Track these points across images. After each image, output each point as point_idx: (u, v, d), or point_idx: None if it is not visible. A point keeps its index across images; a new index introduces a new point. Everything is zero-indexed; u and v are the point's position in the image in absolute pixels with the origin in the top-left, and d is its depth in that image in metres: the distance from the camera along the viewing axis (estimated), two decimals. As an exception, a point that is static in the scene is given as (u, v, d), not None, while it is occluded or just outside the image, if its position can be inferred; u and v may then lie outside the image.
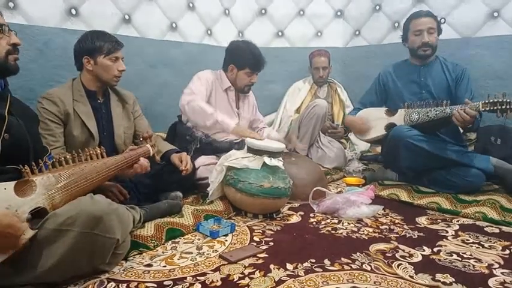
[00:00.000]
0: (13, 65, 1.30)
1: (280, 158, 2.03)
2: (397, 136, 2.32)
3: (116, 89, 2.06)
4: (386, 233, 1.75)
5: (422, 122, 2.31)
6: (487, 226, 1.85)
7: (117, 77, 1.94)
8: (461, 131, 2.46)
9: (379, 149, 3.02)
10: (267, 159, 1.93)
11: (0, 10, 1.34)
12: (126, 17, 2.90)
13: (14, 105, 1.33)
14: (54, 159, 1.31)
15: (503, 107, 2.01)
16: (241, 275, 1.34)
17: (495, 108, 2.03)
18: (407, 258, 1.48)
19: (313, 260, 1.45)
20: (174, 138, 2.42)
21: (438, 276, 1.34)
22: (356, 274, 1.35)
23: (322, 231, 1.78)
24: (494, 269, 1.40)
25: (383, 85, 2.67)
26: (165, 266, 1.41)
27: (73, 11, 2.59)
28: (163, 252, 1.53)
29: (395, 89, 2.59)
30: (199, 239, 1.68)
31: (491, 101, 2.05)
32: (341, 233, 1.75)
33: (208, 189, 2.05)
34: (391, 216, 1.99)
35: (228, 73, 2.51)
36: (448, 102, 2.24)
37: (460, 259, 1.48)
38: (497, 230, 1.79)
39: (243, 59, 2.44)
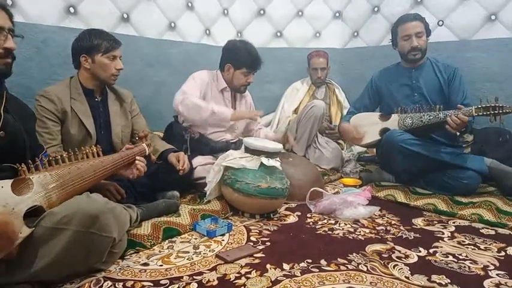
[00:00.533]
0: (3, 69, 1.26)
1: (278, 159, 2.04)
2: (390, 141, 2.34)
3: (114, 88, 2.06)
4: (382, 234, 1.76)
5: (416, 127, 2.33)
6: (483, 228, 1.85)
7: (115, 76, 1.93)
8: (458, 133, 2.47)
9: (376, 150, 3.03)
10: (264, 160, 1.93)
11: (8, 10, 1.32)
12: (125, 15, 2.90)
13: (11, 102, 1.33)
14: (50, 157, 1.31)
15: (496, 111, 2.05)
16: (237, 275, 1.34)
17: (488, 113, 2.07)
18: (403, 259, 1.49)
19: (310, 260, 1.45)
20: (171, 138, 2.41)
21: (434, 277, 1.34)
22: (352, 274, 1.35)
23: (318, 232, 1.78)
24: (490, 270, 1.41)
25: (376, 88, 2.68)
26: (161, 265, 1.41)
27: (71, 10, 2.58)
28: (160, 251, 1.53)
29: (388, 92, 2.60)
30: (196, 239, 1.68)
31: (483, 106, 2.08)
32: (337, 234, 1.76)
33: (205, 188, 2.05)
34: (387, 217, 1.99)
35: (225, 72, 2.50)
36: (441, 107, 2.26)
37: (456, 260, 1.49)
38: (493, 232, 1.80)
39: (240, 58, 2.43)
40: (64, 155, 1.34)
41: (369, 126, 2.57)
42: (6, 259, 1.09)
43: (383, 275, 1.36)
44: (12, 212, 1.10)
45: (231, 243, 1.63)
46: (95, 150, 1.45)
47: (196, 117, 2.31)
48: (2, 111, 1.26)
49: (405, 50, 2.46)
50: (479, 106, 2.08)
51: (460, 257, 1.52)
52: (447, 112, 2.20)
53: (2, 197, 1.10)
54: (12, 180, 1.16)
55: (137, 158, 1.63)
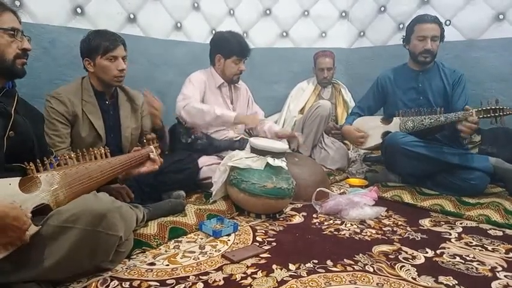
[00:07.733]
0: (20, 69, 1.31)
1: (284, 159, 2.04)
2: (392, 144, 2.33)
3: (125, 88, 2.01)
4: (389, 235, 1.75)
5: (418, 130, 2.33)
6: (490, 229, 1.84)
7: (118, 77, 1.84)
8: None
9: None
10: (270, 160, 1.93)
11: (19, 15, 1.36)
12: (131, 16, 2.91)
13: (20, 104, 1.35)
14: (59, 160, 1.31)
15: (497, 113, 2.07)
16: (243, 275, 1.34)
17: (488, 115, 2.08)
18: (410, 260, 1.48)
19: (316, 261, 1.45)
20: (175, 140, 2.40)
21: (441, 278, 1.34)
22: (359, 275, 1.35)
23: (324, 232, 1.78)
24: (498, 272, 1.40)
25: (381, 89, 2.66)
26: (167, 265, 1.42)
27: (78, 10, 2.60)
28: (166, 251, 1.54)
29: (393, 94, 2.58)
30: (202, 239, 1.68)
31: (484, 108, 2.10)
32: (344, 234, 1.75)
33: (211, 189, 2.06)
34: (394, 218, 1.99)
35: (216, 65, 2.50)
36: (442, 110, 2.26)
37: (463, 262, 1.48)
38: (500, 233, 1.79)
39: (228, 47, 2.44)
40: (72, 156, 1.35)
41: (371, 129, 2.57)
42: (12, 257, 1.10)
43: (389, 276, 1.35)
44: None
45: (237, 243, 1.63)
46: (103, 151, 1.46)
47: (199, 121, 2.32)
48: (13, 112, 1.28)
49: (417, 50, 2.41)
50: (480, 109, 2.09)
51: (468, 258, 1.51)
52: (448, 115, 2.21)
53: (9, 194, 1.11)
54: (20, 178, 1.17)
55: (151, 155, 1.62)
